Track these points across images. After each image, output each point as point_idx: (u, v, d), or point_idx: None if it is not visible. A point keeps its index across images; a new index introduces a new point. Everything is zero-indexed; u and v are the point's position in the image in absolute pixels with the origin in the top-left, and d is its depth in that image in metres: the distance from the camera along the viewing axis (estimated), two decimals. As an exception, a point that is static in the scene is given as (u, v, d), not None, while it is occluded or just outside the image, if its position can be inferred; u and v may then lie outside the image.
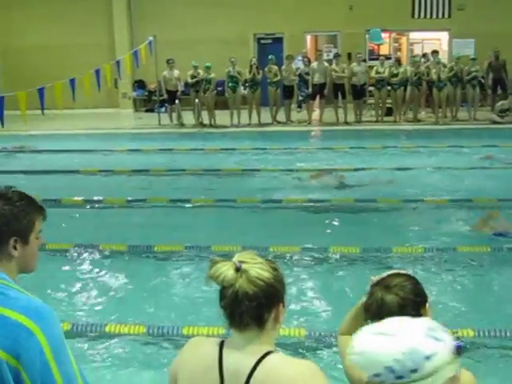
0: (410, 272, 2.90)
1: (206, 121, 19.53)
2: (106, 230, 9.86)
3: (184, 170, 13.57)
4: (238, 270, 2.26)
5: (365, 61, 20.62)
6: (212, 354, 2.35)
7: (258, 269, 2.28)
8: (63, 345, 2.34)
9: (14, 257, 2.44)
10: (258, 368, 2.26)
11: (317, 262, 8.09)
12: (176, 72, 19.53)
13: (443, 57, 20.80)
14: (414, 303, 2.61)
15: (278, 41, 23.01)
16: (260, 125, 19.33)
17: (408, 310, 2.54)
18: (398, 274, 2.75)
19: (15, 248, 2.44)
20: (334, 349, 5.65)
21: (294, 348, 5.80)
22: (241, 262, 2.28)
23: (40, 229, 2.54)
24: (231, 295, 2.27)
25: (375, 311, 2.62)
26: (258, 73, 19.25)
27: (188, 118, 19.62)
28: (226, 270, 2.26)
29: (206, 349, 2.39)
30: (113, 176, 13.50)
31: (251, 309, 2.26)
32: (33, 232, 2.49)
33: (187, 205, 10.96)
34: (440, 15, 22.37)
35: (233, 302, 2.27)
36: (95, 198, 11.57)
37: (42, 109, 14.25)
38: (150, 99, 22.61)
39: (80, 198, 11.50)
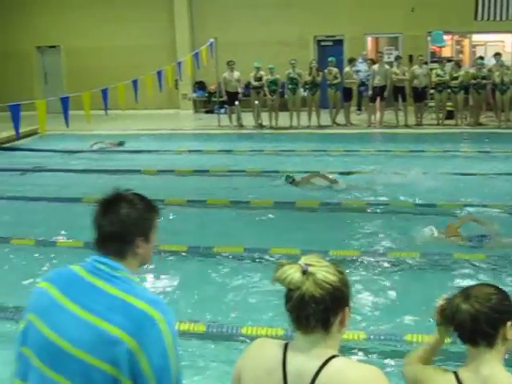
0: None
1: (265, 122, 19.58)
2: (165, 230, 9.93)
3: (244, 171, 13.63)
4: (304, 272, 2.27)
5: (426, 63, 20.38)
6: (276, 356, 2.37)
7: (324, 272, 2.29)
8: (177, 339, 2.54)
9: (138, 254, 2.66)
10: (322, 371, 2.27)
11: (381, 266, 8.04)
12: (236, 73, 19.63)
13: (507, 59, 20.41)
14: (490, 319, 2.52)
15: (339, 43, 22.93)
16: (319, 127, 19.29)
17: (481, 324, 2.51)
18: (487, 286, 2.69)
19: (140, 246, 2.65)
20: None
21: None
22: (307, 264, 2.29)
23: (156, 226, 2.74)
24: (298, 298, 2.28)
25: (449, 317, 2.61)
26: (318, 75, 19.21)
27: (247, 119, 19.70)
28: (293, 272, 2.28)
29: (271, 350, 2.41)
30: (173, 176, 13.66)
31: (318, 312, 2.27)
32: (153, 230, 2.71)
33: (246, 206, 11.01)
34: (504, 17, 21.97)
35: (299, 305, 2.28)
36: (155, 198, 11.68)
37: (106, 109, 14.48)
38: (210, 100, 22.77)
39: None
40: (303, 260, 2.33)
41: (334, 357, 2.31)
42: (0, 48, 24.98)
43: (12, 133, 17.01)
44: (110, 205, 2.66)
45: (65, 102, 12.44)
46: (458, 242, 8.80)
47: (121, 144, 17.21)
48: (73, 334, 2.48)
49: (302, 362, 2.31)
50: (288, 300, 2.33)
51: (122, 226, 2.61)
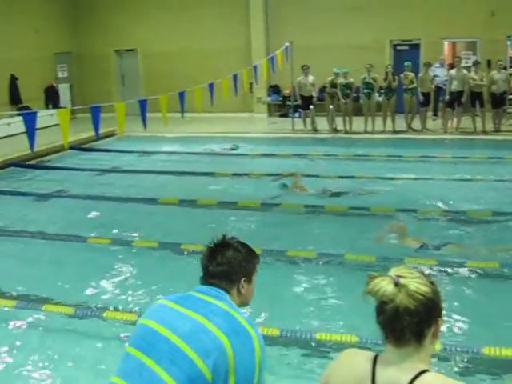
0: None
1: (339, 127, 19.48)
2: (238, 232, 10.03)
3: (317, 176, 13.60)
4: (396, 284, 2.25)
5: (505, 68, 19.92)
6: (365, 367, 2.35)
7: (416, 283, 2.26)
8: (264, 364, 2.86)
9: (242, 294, 3.04)
10: None
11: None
12: (311, 78, 19.60)
13: None
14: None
15: (415, 47, 22.64)
16: (394, 132, 19.08)
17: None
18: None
19: (243, 286, 3.04)
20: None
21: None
22: (398, 276, 2.27)
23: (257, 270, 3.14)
24: (391, 311, 2.25)
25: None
26: (394, 79, 19.02)
27: (322, 123, 19.63)
28: (386, 284, 2.26)
29: (360, 362, 2.39)
30: (247, 179, 13.72)
31: (412, 324, 2.24)
32: (254, 273, 3.11)
33: (320, 210, 10.98)
34: None
35: (393, 318, 2.25)
36: (229, 200, 11.82)
37: (182, 112, 14.65)
38: (285, 104, 22.80)
39: (214, 200, 11.77)
40: (394, 271, 2.30)
41: (425, 371, 2.26)
42: (79, 51, 25.65)
43: (91, 134, 17.46)
44: (218, 248, 3.05)
45: (143, 104, 12.64)
46: (415, 245, 8.97)
47: (234, 149, 17.39)
48: (174, 323, 2.81)
49: (393, 375, 2.28)
50: (380, 313, 2.30)
51: (229, 266, 3.00)
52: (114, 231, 10.15)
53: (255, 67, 18.90)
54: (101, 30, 25.17)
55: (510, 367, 5.91)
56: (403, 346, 2.29)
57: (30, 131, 9.64)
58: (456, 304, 6.92)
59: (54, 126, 18.55)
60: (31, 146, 9.75)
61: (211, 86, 15.74)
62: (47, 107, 22.88)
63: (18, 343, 6.61)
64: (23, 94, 22.56)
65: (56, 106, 23.27)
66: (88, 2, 25.30)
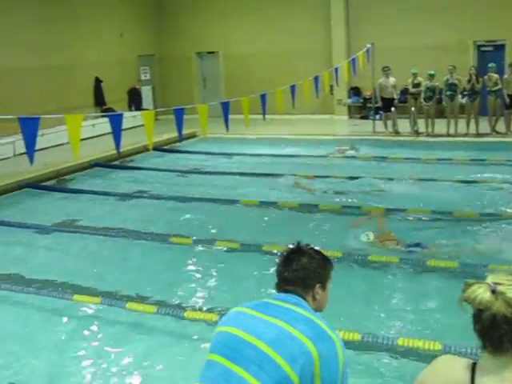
0: None
1: (421, 129, 19.19)
2: (320, 234, 10.03)
3: (393, 179, 13.44)
4: (493, 292, 2.20)
5: None
6: (464, 376, 2.29)
7: None
8: (347, 367, 2.87)
9: (317, 300, 3.05)
10: None
11: None
12: (392, 79, 19.39)
13: None
14: None
15: (500, 48, 22.10)
16: (478, 135, 18.67)
17: None
18: None
19: (318, 293, 3.05)
20: None
21: None
22: (496, 283, 2.21)
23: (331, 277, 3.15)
24: (488, 319, 2.20)
25: None
26: (478, 81, 18.62)
27: (403, 125, 19.38)
28: (482, 292, 2.21)
29: (457, 369, 2.33)
30: (329, 182, 13.67)
31: (510, 333, 2.19)
32: (329, 279, 3.12)
33: (401, 214, 10.84)
34: None
35: (490, 326, 2.21)
36: (308, 202, 11.83)
37: (264, 114, 14.69)
38: (365, 106, 22.61)
39: (295, 203, 11.77)
40: (491, 279, 2.25)
41: None
42: (162, 54, 26.08)
43: (172, 135, 17.77)
44: (293, 255, 3.07)
45: (225, 106, 12.74)
46: (393, 246, 9.19)
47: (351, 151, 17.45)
48: (258, 330, 2.84)
49: None
50: (477, 321, 2.25)
51: (305, 272, 3.02)
52: (196, 231, 10.26)
53: (336, 69, 18.79)
54: (183, 33, 25.51)
55: None
56: (502, 354, 2.23)
57: (116, 132, 9.82)
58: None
59: (136, 127, 19.00)
60: (117, 147, 9.94)
61: (293, 87, 15.73)
62: (130, 109, 23.33)
63: (101, 341, 6.77)
64: (107, 96, 23.07)
65: (138, 107, 23.70)
66: (171, 7, 25.69)
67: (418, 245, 9.11)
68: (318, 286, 3.03)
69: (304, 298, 2.99)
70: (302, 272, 3.00)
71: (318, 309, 3.04)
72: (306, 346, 2.74)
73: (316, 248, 3.15)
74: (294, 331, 2.79)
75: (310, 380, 2.71)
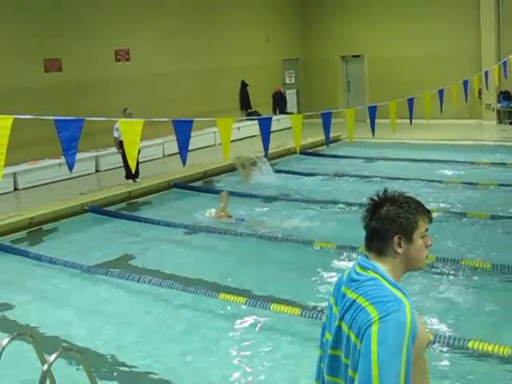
0: None
1: None
2: (466, 244, 9.75)
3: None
4: None
5: None
6: None
7: None
8: (401, 342, 2.46)
9: (399, 254, 2.67)
10: None
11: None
12: (546, 83, 18.62)
13: None
14: None
15: None
16: None
17: None
18: None
19: (400, 245, 2.66)
20: None
21: None
22: None
23: (425, 229, 2.71)
24: None
25: None
26: None
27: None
28: None
29: None
30: (476, 189, 13.28)
31: None
32: (416, 231, 2.68)
33: None
34: None
35: None
36: (456, 211, 11.52)
37: (411, 118, 14.45)
38: (518, 111, 21.77)
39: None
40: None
41: None
42: (306, 57, 26.23)
43: (317, 139, 17.87)
44: (376, 204, 2.74)
45: (372, 111, 12.64)
46: (226, 220, 11.62)
47: None
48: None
49: None
50: None
51: (381, 222, 2.68)
52: (340, 235, 10.23)
53: (486, 72, 18.21)
54: (327, 36, 25.55)
55: None
56: None
57: (265, 135, 9.96)
58: None
59: (280, 130, 19.17)
60: (265, 149, 10.08)
61: (441, 92, 15.36)
62: (274, 112, 23.62)
63: (245, 341, 6.89)
64: (252, 100, 23.44)
65: (283, 111, 23.95)
66: (315, 10, 25.78)
67: (242, 219, 11.67)
68: (397, 237, 2.65)
69: (382, 255, 2.68)
70: (380, 222, 2.67)
71: (408, 266, 2.71)
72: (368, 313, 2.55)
73: (410, 196, 2.76)
74: (343, 325, 2.65)
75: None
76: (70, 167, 7.53)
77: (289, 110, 24.37)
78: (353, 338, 2.55)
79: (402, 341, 2.45)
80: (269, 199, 13.41)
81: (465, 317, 7.16)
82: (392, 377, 2.41)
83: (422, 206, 2.75)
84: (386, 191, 2.77)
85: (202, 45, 21.48)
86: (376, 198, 2.75)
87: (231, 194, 13.20)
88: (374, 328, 2.46)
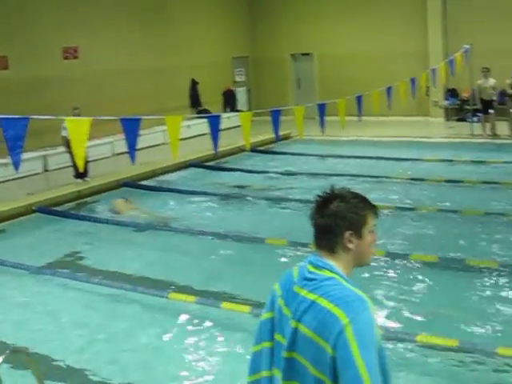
0: None
1: (521, 132, 18.63)
2: (416, 238, 9.90)
3: (497, 183, 13.09)
4: None
5: None
6: None
7: None
8: (372, 338, 2.47)
9: (350, 250, 2.66)
10: None
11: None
12: (491, 81, 18.93)
13: None
14: None
15: None
16: None
17: None
18: None
19: (350, 241, 2.66)
20: None
21: None
22: None
23: (373, 224, 2.72)
24: None
25: None
26: None
27: (502, 128, 18.84)
28: None
29: None
30: (422, 185, 13.46)
31: None
32: (365, 226, 2.69)
33: (503, 219, 10.57)
34: None
35: None
36: (404, 206, 11.68)
37: (360, 115, 14.58)
38: (462, 108, 22.10)
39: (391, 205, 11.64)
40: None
41: None
42: (256, 55, 26.27)
43: (267, 136, 17.91)
44: (324, 201, 2.72)
45: (321, 108, 12.72)
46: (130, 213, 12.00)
47: None
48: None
49: None
50: None
51: (331, 218, 2.65)
52: (291, 233, 10.28)
53: (433, 70, 18.46)
54: (277, 34, 25.61)
55: None
56: None
57: (214, 133, 9.96)
58: None
59: (230, 128, 19.15)
60: (215, 148, 10.07)
61: (389, 89, 15.55)
62: (225, 110, 23.60)
63: (195, 340, 6.87)
64: (203, 98, 23.38)
65: (233, 109, 23.94)
66: (264, 8, 25.84)
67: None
68: (348, 233, 2.64)
69: (333, 252, 2.66)
70: (329, 218, 2.65)
71: (357, 262, 2.71)
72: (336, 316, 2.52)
73: (356, 192, 2.76)
74: (302, 327, 2.61)
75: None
76: (16, 166, 7.44)
77: (239, 108, 24.38)
78: (320, 341, 2.51)
79: (374, 338, 2.47)
80: (223, 196, 13.40)
81: (413, 311, 7.25)
82: (377, 374, 2.43)
83: (369, 201, 2.75)
84: (332, 188, 2.76)
85: (151, 43, 21.36)
86: (324, 195, 2.73)
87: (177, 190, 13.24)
88: (348, 332, 2.43)
